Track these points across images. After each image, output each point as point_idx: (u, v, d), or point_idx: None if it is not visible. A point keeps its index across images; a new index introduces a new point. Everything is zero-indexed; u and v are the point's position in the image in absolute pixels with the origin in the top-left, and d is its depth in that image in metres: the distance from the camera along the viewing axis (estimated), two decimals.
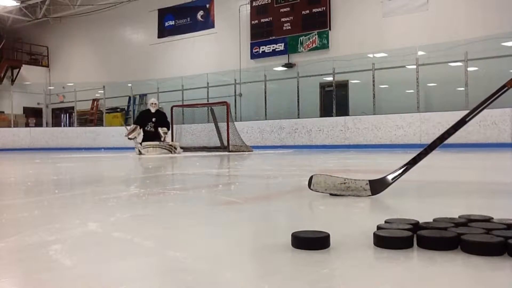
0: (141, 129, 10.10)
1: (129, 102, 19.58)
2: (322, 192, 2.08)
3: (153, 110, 10.22)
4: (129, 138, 10.00)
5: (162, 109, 11.47)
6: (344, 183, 2.04)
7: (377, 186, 2.00)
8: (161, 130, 10.01)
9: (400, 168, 1.98)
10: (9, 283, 0.93)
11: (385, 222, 1.28)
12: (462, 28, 12.61)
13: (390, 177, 2.00)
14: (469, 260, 1.01)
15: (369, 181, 2.02)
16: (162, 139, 10.01)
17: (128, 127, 10.41)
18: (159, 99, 17.26)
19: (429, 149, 1.97)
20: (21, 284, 0.95)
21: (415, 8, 13.72)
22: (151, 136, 9.97)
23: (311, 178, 2.09)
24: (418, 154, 1.99)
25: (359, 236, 1.24)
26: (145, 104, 19.53)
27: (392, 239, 1.11)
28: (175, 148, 9.84)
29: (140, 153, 9.50)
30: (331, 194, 2.07)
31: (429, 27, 13.31)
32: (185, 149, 11.49)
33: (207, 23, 18.31)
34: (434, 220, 1.28)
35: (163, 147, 9.65)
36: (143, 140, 9.89)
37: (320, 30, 15.39)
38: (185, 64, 18.46)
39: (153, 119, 10.14)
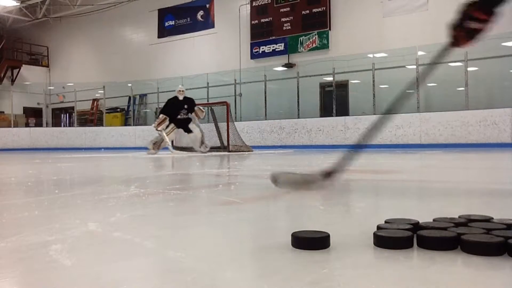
0: (171, 119, 9.91)
1: (129, 102, 19.56)
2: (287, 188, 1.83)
3: (181, 98, 9.94)
4: (157, 130, 9.77)
5: None
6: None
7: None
8: (201, 107, 9.99)
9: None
10: (9, 283, 0.93)
11: (385, 222, 1.28)
12: None
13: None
14: (469, 260, 1.00)
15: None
16: (202, 116, 10.02)
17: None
18: (159, 99, 17.30)
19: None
20: (21, 284, 0.95)
21: (415, 8, 13.71)
22: (184, 123, 9.90)
23: (275, 177, 1.74)
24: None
25: (359, 236, 1.24)
26: (145, 104, 19.53)
27: (392, 239, 1.11)
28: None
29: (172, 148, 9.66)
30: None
31: (429, 27, 13.29)
32: (185, 149, 11.48)
33: (207, 23, 18.30)
34: (434, 220, 1.28)
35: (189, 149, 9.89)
36: (177, 127, 9.91)
37: (320, 30, 15.37)
38: (185, 64, 18.44)
39: (185, 106, 9.94)
